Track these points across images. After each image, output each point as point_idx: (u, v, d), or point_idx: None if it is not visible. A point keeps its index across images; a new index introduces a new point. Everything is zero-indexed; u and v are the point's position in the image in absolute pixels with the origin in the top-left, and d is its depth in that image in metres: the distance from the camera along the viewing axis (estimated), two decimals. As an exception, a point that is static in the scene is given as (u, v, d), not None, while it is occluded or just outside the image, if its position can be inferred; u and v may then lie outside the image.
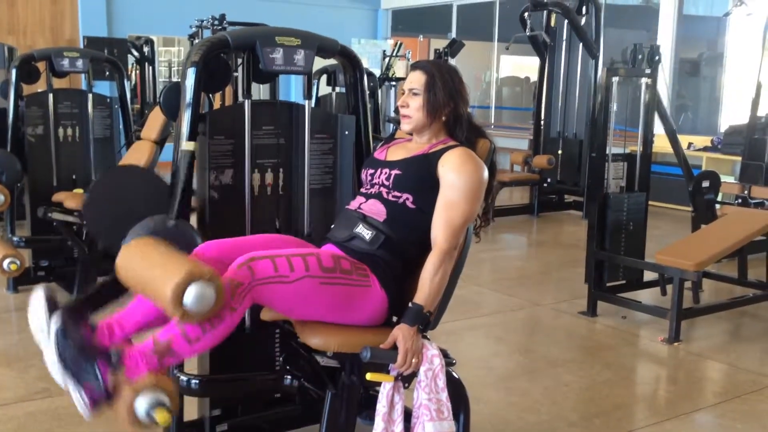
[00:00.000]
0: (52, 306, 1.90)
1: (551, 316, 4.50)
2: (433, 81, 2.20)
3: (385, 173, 2.21)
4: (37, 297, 1.93)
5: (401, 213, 2.15)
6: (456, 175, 2.12)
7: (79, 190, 4.64)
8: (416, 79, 2.23)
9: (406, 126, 2.25)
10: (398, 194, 2.17)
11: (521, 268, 5.86)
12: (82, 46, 9.68)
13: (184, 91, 2.39)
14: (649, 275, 4.61)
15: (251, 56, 2.52)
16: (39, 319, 1.90)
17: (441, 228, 2.10)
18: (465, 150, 2.18)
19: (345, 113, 2.72)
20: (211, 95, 3.88)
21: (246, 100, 2.55)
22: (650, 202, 4.76)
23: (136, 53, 11.00)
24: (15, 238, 4.51)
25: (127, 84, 5.16)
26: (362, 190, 2.28)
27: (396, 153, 2.29)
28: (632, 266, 4.54)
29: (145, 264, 1.95)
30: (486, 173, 2.17)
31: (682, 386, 3.57)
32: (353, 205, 2.24)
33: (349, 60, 2.67)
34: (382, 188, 2.20)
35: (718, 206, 5.49)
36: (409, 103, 2.22)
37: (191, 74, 2.36)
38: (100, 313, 2.07)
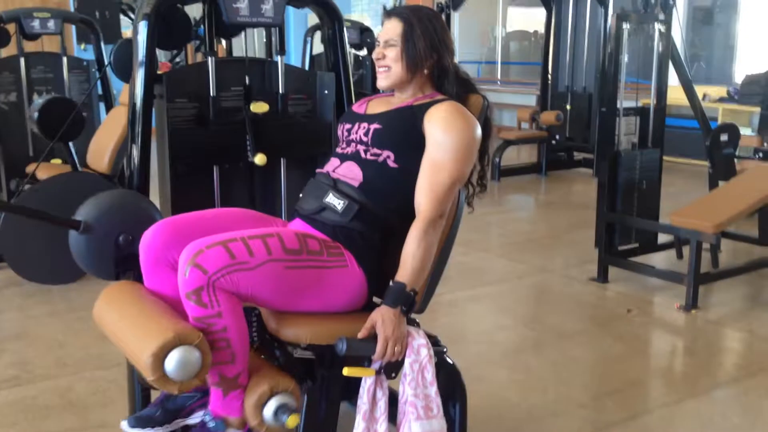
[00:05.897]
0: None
1: (560, 283, 4.24)
2: (411, 30, 1.90)
3: (364, 128, 1.92)
4: None
5: (380, 174, 1.87)
6: (443, 132, 1.84)
7: (57, 161, 4.39)
8: (392, 29, 1.92)
9: (383, 81, 1.95)
10: (378, 152, 1.88)
11: (529, 232, 5.58)
12: (72, 9, 9.35)
13: (136, 47, 2.12)
14: (663, 237, 4.33)
15: (213, 7, 2.24)
16: None
17: (425, 193, 1.82)
18: (454, 104, 1.89)
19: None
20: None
21: (209, 58, 2.28)
22: (664, 158, 4.47)
23: (131, 15, 10.67)
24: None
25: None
26: (338, 150, 1.99)
27: (377, 106, 2.00)
28: (646, 228, 4.28)
29: (123, 322, 1.78)
30: (478, 131, 1.88)
31: (700, 359, 3.30)
32: (326, 168, 1.96)
33: (326, 10, 2.39)
34: (359, 146, 1.91)
35: (737, 161, 5.18)
36: (386, 55, 1.93)
37: (143, 28, 2.11)
38: None
